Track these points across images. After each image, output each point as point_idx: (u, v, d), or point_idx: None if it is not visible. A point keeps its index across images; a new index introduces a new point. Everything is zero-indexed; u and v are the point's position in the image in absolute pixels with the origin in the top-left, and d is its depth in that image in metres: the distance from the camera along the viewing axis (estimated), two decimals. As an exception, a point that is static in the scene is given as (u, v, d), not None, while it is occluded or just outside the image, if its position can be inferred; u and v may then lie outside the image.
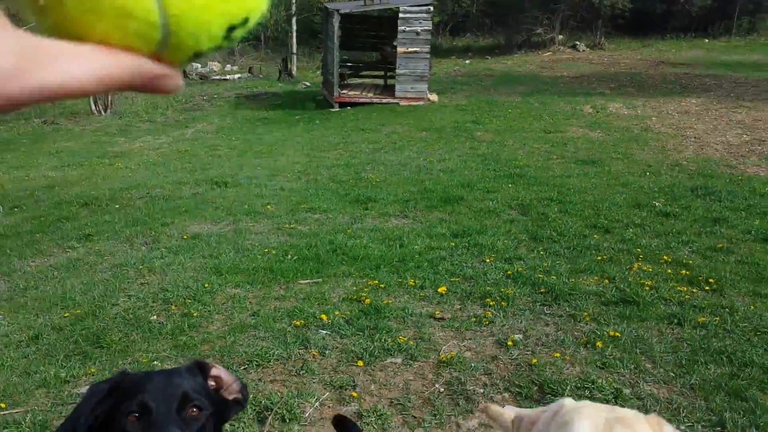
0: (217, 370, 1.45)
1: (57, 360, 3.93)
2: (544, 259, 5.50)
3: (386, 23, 19.96)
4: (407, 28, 16.37)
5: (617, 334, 4.04)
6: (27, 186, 9.68)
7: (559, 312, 4.45)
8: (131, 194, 8.43)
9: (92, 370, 3.83)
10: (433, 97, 17.15)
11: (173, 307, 4.58)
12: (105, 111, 18.00)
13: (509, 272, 5.11)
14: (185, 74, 24.84)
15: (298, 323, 4.22)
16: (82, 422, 1.31)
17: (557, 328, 4.22)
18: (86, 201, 8.20)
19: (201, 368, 1.42)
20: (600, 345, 3.91)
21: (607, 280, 4.97)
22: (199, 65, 25.93)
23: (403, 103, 16.47)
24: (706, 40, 30.22)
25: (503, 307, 4.49)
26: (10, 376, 3.87)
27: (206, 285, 4.94)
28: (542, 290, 4.75)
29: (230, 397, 1.43)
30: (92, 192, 8.71)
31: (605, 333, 4.07)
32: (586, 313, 4.38)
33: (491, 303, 4.53)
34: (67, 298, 5.01)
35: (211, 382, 1.43)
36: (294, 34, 25.76)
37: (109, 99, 18.05)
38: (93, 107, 17.98)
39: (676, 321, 4.27)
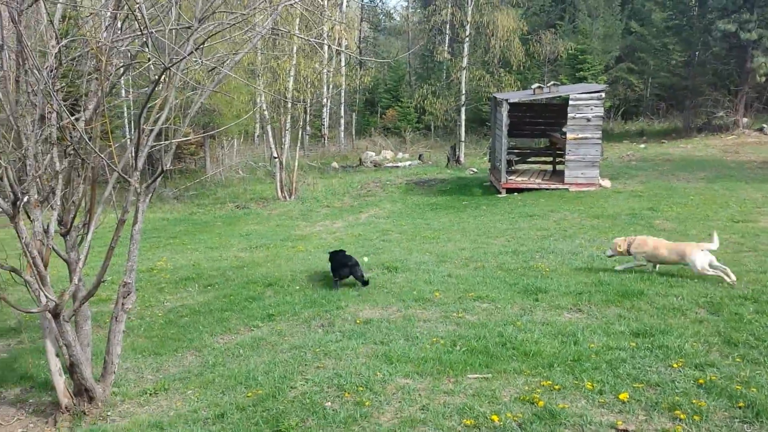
0: None
1: (240, 441, 4.16)
2: (742, 367, 4.92)
3: (554, 110, 19.93)
4: (577, 115, 16.21)
5: (841, 466, 3.47)
6: (219, 265, 10.64)
7: (762, 431, 3.93)
8: (310, 276, 8.94)
9: (271, 454, 4.00)
10: (606, 182, 16.60)
11: (347, 394, 4.70)
12: (290, 196, 19.56)
13: (701, 381, 4.64)
14: (360, 162, 26.38)
15: (468, 422, 4.12)
16: None
17: (762, 452, 3.72)
18: (270, 281, 8.83)
19: None
20: (819, 478, 3.37)
21: (822, 398, 4.33)
22: (373, 153, 27.45)
23: (572, 189, 16.12)
24: None
25: (695, 421, 4.06)
26: (198, 454, 4.16)
27: (377, 373, 5.02)
28: (741, 404, 4.24)
29: None
30: (276, 273, 9.37)
31: (825, 463, 3.51)
32: (798, 437, 3.83)
33: (682, 416, 4.12)
34: (250, 377, 5.34)
35: None
36: (463, 123, 26.54)
37: (293, 186, 19.64)
38: (279, 193, 19.63)
39: None
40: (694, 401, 4.31)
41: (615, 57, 33.88)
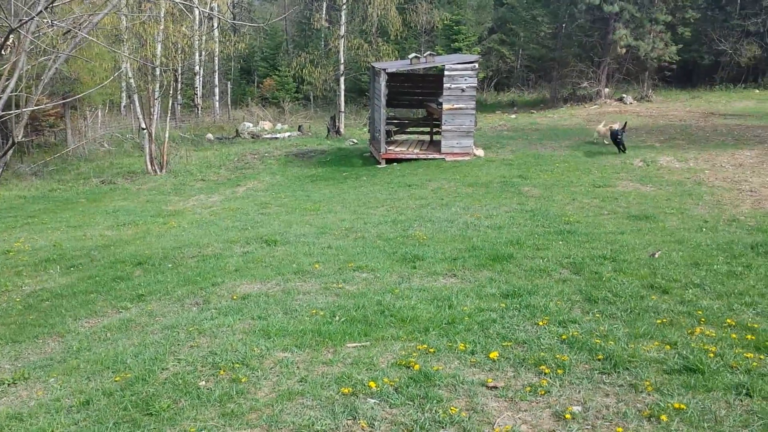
0: None
1: (106, 428, 3.92)
2: (600, 322, 5.29)
3: (431, 80, 20.28)
4: (452, 85, 16.57)
5: (682, 406, 3.81)
6: (84, 245, 9.97)
7: (619, 381, 4.24)
8: (183, 253, 8.58)
9: (141, 438, 3.81)
10: (480, 152, 17.18)
11: (222, 371, 4.56)
12: (160, 170, 18.61)
13: (564, 336, 4.93)
14: (237, 133, 25.60)
15: (346, 391, 4.13)
16: None
17: (618, 399, 4.01)
18: (140, 260, 8.38)
19: None
20: (665, 419, 3.69)
21: (668, 346, 4.74)
22: (251, 124, 26.70)
23: (449, 158, 16.55)
24: (757, 91, 29.63)
25: (559, 375, 4.31)
26: (60, 443, 3.89)
27: (255, 349, 4.91)
28: (600, 357, 4.56)
29: None
30: (146, 251, 8.90)
31: (670, 405, 3.84)
32: (647, 383, 4.16)
33: (546, 370, 4.36)
34: (118, 360, 5.05)
35: None
36: (342, 93, 26.38)
37: (164, 158, 18.68)
38: (149, 167, 18.62)
39: (744, 391, 4.01)
40: (557, 356, 4.57)
41: (488, 28, 34.98)
